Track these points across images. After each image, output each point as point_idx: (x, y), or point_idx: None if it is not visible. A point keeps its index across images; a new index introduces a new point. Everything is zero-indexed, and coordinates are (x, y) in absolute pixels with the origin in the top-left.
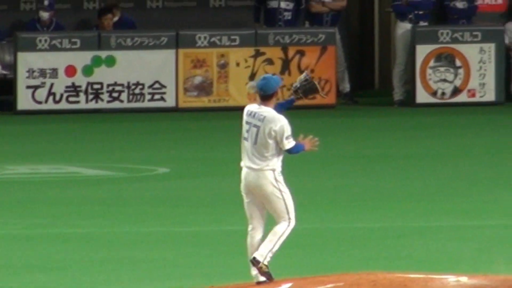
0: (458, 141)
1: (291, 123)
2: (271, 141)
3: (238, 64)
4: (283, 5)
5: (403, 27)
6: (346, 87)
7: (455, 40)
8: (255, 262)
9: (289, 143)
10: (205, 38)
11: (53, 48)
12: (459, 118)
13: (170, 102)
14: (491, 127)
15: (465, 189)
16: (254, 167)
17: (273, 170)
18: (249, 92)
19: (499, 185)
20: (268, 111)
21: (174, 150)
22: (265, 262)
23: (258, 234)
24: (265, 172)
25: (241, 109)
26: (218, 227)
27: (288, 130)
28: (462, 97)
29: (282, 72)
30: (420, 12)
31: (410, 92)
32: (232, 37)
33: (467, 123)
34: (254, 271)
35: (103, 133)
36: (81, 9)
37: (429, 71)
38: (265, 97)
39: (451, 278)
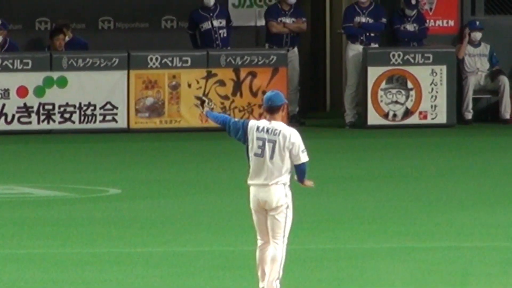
0: (409, 163)
1: (240, 145)
2: (287, 155)
3: (189, 85)
4: (216, 23)
5: (355, 49)
6: (295, 109)
7: (406, 62)
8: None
9: (305, 156)
10: (156, 59)
11: (4, 68)
12: (410, 140)
13: (121, 123)
14: (442, 149)
15: (417, 211)
16: (269, 182)
17: (284, 184)
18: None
19: (451, 207)
20: (281, 125)
21: (125, 171)
22: None
23: (268, 248)
24: (277, 186)
25: (192, 130)
26: (169, 248)
27: (302, 143)
28: (413, 119)
29: (233, 94)
30: (371, 35)
31: (362, 114)
32: (184, 58)
33: (418, 145)
34: None
35: (55, 154)
36: (33, 29)
37: (380, 93)
38: (273, 109)
39: None
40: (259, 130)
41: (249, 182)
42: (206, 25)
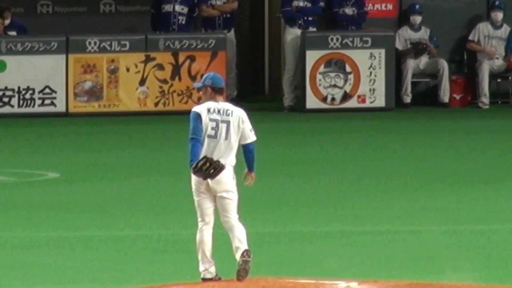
0: (348, 146)
1: (179, 128)
2: (239, 135)
3: (128, 69)
4: (177, 8)
5: (293, 33)
6: (234, 93)
7: (345, 46)
8: (249, 252)
9: (253, 135)
10: (95, 43)
11: None
12: (349, 124)
13: (60, 107)
14: (381, 133)
15: (356, 195)
16: (223, 162)
17: (232, 165)
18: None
19: (390, 190)
20: (230, 106)
21: (64, 155)
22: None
23: (210, 230)
24: (230, 168)
25: (131, 114)
26: (108, 232)
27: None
28: (352, 103)
29: (172, 78)
30: (309, 19)
31: (300, 98)
32: (122, 42)
33: (357, 128)
34: (211, 268)
35: None
36: None
37: (319, 76)
38: (219, 90)
39: (342, 284)
40: (210, 112)
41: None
42: (168, 8)
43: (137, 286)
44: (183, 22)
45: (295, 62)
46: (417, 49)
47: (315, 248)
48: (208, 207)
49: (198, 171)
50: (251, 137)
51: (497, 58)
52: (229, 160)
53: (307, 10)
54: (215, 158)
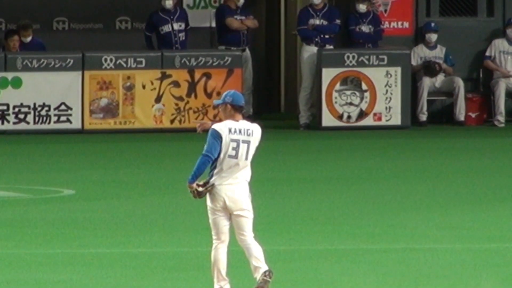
0: (363, 164)
1: (195, 146)
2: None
3: (144, 86)
4: (176, 26)
5: (309, 51)
6: (249, 110)
7: (361, 64)
8: (271, 274)
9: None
10: (111, 60)
11: None
12: (365, 142)
13: (76, 124)
14: (396, 151)
15: (371, 213)
16: (240, 182)
17: (247, 181)
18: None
19: (405, 209)
20: (250, 124)
21: (79, 172)
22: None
23: (225, 248)
24: (244, 184)
25: (146, 131)
26: (123, 249)
27: None
28: (368, 121)
29: (188, 95)
30: (326, 36)
31: (316, 116)
32: (138, 59)
33: (372, 146)
34: (226, 286)
35: (9, 155)
36: None
37: (335, 94)
38: (239, 108)
39: None
40: (231, 132)
41: (219, 182)
42: (167, 28)
43: None
44: (183, 39)
45: (312, 79)
46: (429, 68)
47: (330, 266)
48: (224, 225)
49: (198, 194)
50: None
51: None
52: (247, 179)
53: (323, 28)
54: (234, 178)
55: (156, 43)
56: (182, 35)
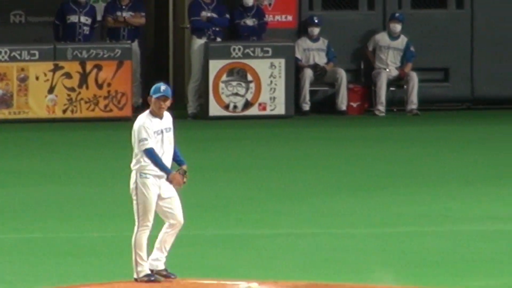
0: (250, 153)
1: (87, 135)
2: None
3: (37, 78)
4: (82, 19)
5: (199, 43)
6: (139, 101)
7: (246, 56)
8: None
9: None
10: (5, 52)
11: None
12: (250, 131)
13: None
14: (281, 140)
15: (257, 200)
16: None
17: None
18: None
19: (290, 196)
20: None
21: None
22: None
23: (149, 233)
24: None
25: (40, 121)
26: (18, 235)
27: None
28: (253, 110)
29: (80, 86)
30: (217, 29)
31: (204, 106)
32: (32, 51)
33: (258, 135)
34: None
35: None
36: None
37: (221, 85)
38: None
39: (243, 284)
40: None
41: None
42: (73, 18)
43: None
44: (87, 33)
45: (200, 71)
46: (315, 71)
47: (217, 251)
48: (153, 210)
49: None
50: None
51: (396, 69)
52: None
53: (216, 21)
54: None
55: (61, 33)
56: (87, 29)
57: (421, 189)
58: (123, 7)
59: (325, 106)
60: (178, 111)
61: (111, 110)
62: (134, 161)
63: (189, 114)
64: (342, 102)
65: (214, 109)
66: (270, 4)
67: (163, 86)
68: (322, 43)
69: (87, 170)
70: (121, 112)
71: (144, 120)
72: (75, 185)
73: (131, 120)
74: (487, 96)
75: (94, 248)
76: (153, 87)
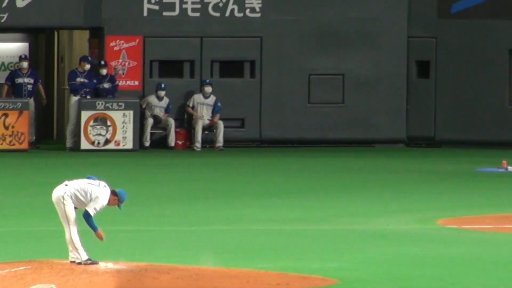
0: (110, 175)
1: None
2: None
3: None
4: (26, 80)
5: (74, 99)
6: (33, 138)
7: (107, 108)
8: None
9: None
10: None
11: None
12: (109, 160)
13: None
14: (130, 166)
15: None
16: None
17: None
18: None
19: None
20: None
21: None
22: None
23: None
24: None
25: None
26: None
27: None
28: (111, 145)
29: None
30: (87, 90)
31: (78, 142)
32: None
33: (112, 163)
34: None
35: None
36: None
37: (89, 128)
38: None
39: (102, 264)
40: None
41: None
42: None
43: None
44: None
45: (75, 118)
46: (155, 120)
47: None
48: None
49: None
50: None
51: (208, 119)
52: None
53: (88, 84)
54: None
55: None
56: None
57: (225, 200)
58: (24, 74)
59: (160, 143)
60: (60, 145)
61: (14, 144)
62: (72, 192)
63: (67, 147)
64: (172, 140)
65: (84, 144)
66: (123, 73)
67: (126, 198)
68: (165, 101)
69: None
70: (21, 146)
71: (105, 202)
72: None
73: (27, 151)
74: (271, 138)
75: None
76: (124, 194)
